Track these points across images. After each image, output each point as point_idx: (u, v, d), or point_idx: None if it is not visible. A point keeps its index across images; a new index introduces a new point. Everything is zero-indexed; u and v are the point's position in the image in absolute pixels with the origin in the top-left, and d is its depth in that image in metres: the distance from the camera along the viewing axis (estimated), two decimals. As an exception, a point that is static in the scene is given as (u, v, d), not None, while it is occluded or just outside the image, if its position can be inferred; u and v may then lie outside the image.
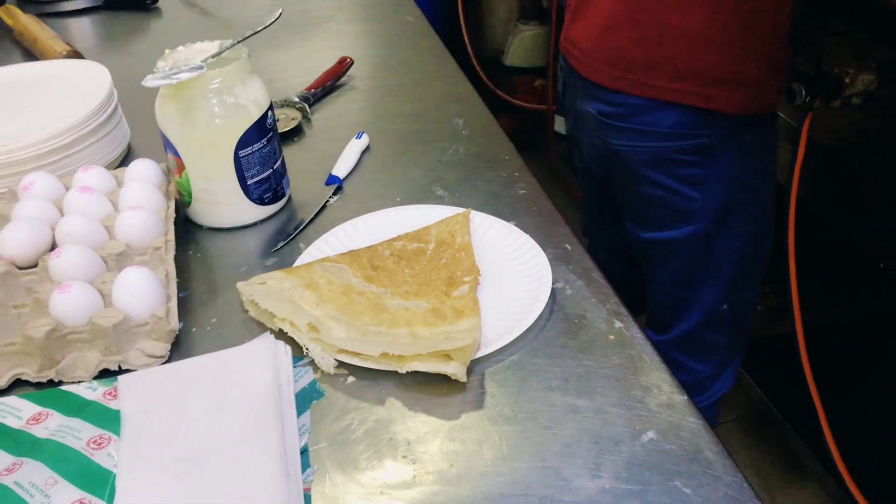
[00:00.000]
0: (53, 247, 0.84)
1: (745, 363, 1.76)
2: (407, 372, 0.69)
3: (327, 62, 1.23)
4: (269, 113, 0.89)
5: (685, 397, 0.67)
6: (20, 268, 0.82)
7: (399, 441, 0.65)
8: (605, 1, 1.13)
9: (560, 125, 2.43)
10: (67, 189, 0.92)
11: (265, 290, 0.78)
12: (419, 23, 1.42)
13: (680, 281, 1.28)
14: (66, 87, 1.08)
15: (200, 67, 0.83)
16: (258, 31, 0.91)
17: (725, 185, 1.15)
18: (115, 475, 0.62)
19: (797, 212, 1.25)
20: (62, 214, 0.87)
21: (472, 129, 1.07)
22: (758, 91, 1.09)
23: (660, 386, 0.68)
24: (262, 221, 0.93)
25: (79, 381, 0.72)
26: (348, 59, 1.22)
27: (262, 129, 0.88)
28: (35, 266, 0.82)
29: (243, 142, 0.87)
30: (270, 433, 0.64)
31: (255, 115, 0.87)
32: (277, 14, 0.93)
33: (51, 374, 0.72)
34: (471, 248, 0.83)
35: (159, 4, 1.57)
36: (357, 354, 0.71)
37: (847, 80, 1.12)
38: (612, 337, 0.73)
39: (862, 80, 1.13)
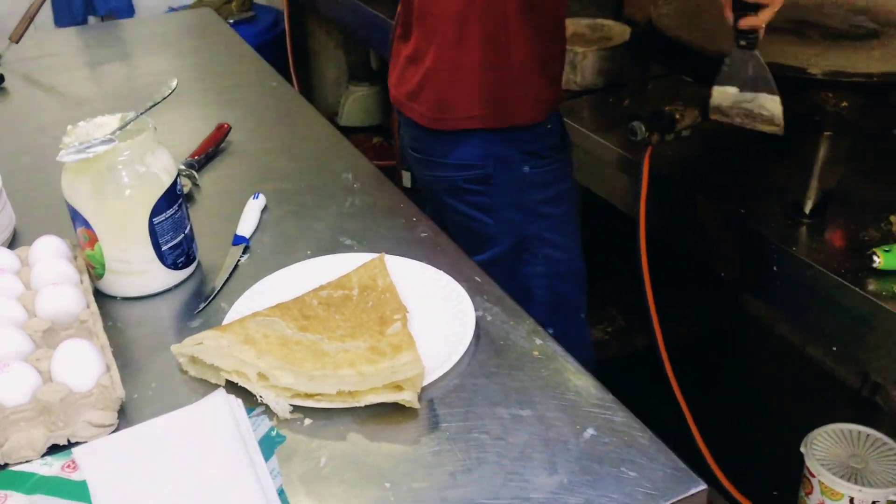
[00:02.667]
0: (-33, 332, 0.82)
1: (603, 379, 1.91)
2: (363, 406, 0.74)
3: (203, 130, 1.25)
4: (178, 180, 0.92)
5: (611, 396, 0.76)
6: (-65, 356, 0.79)
7: (369, 470, 0.70)
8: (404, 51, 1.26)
9: (407, 180, 2.54)
10: (-34, 273, 0.89)
11: (203, 350, 0.80)
12: (283, 87, 1.47)
13: None
14: (-62, 171, 1.04)
15: (112, 140, 0.85)
16: (158, 103, 0.94)
17: (512, 211, 1.27)
18: (98, 542, 0.62)
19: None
20: (-31, 299, 0.85)
21: (363, 182, 1.13)
22: (512, 105, 1.20)
23: (587, 389, 0.77)
24: (175, 288, 0.94)
25: (27, 461, 0.71)
26: (226, 126, 1.25)
27: (173, 196, 0.91)
28: (-48, 353, 0.79)
29: (157, 209, 0.89)
30: (246, 480, 0.67)
31: (167, 183, 0.89)
32: (174, 85, 0.96)
33: (-4, 458, 0.71)
34: (394, 288, 0.89)
35: (5, 84, 1.53)
36: (311, 396, 0.75)
37: (678, 117, 1.28)
38: (536, 353, 0.82)
39: (689, 116, 1.29)
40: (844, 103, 1.19)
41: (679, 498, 0.67)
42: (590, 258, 1.93)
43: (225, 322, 0.86)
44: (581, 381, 0.78)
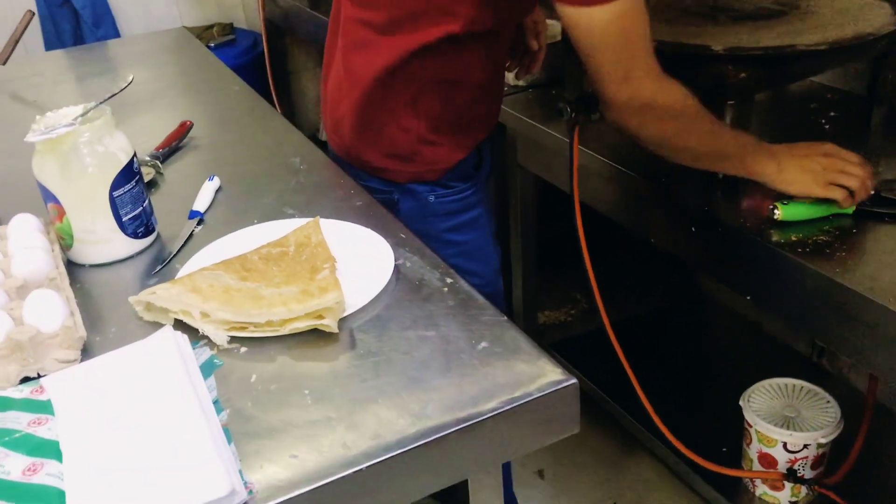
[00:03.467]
0: (-48, 293, 0.94)
1: (570, 358, 2.02)
2: (290, 334, 0.86)
3: (169, 128, 1.39)
4: (135, 159, 1.05)
5: (504, 318, 0.88)
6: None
7: (293, 382, 0.81)
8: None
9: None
10: (-48, 248, 1.02)
11: (155, 297, 0.92)
12: (245, 90, 1.61)
13: None
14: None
15: (73, 124, 0.98)
16: (116, 94, 1.07)
17: (420, 237, 1.25)
18: (58, 441, 0.74)
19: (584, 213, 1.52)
20: (-46, 267, 0.98)
21: (309, 164, 1.26)
22: (419, 164, 1.26)
23: (485, 311, 0.89)
24: (137, 255, 1.07)
25: (2, 390, 0.83)
26: (188, 122, 1.38)
27: (130, 173, 1.03)
28: (-61, 309, 0.92)
29: (116, 184, 1.01)
30: (185, 392, 0.79)
31: (124, 161, 1.02)
32: (130, 79, 1.09)
33: (-24, 388, 0.83)
34: (325, 244, 1.01)
35: (-8, 99, 1.67)
36: (244, 328, 0.87)
37: (600, 96, 1.41)
38: (446, 289, 0.94)
39: (612, 94, 1.42)
40: (743, 74, 1.31)
41: (554, 389, 0.78)
42: (551, 246, 2.06)
43: (177, 277, 0.99)
44: (481, 306, 0.90)
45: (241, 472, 0.71)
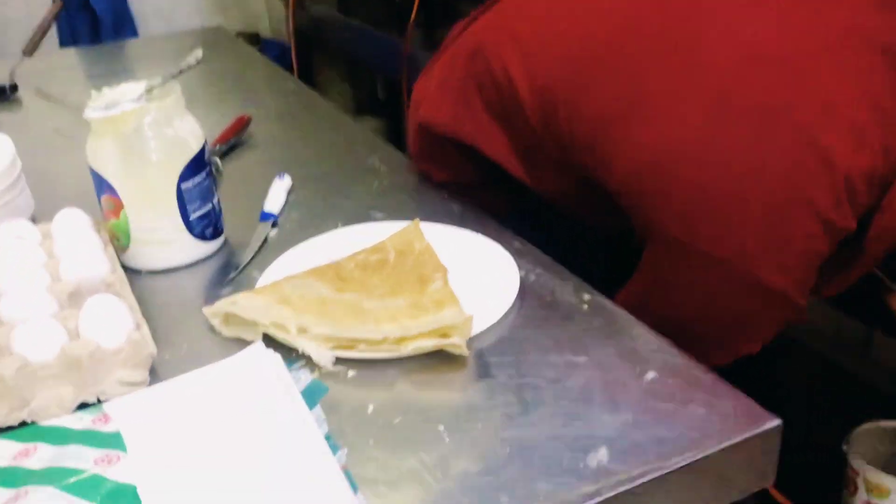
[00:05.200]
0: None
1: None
2: (408, 358, 0.70)
3: (221, 125, 1.23)
4: (206, 147, 0.89)
5: (668, 341, 0.72)
6: (-43, 320, 0.75)
7: (420, 415, 0.66)
8: None
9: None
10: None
11: (239, 308, 0.76)
12: (302, 88, 1.46)
13: None
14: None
15: (140, 100, 0.82)
16: (183, 71, 0.91)
17: None
18: (136, 487, 0.58)
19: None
20: (-10, 268, 0.82)
21: (390, 166, 1.10)
22: None
23: (644, 336, 0.73)
24: (200, 263, 0.91)
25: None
26: (247, 116, 1.23)
27: (201, 163, 0.88)
28: (-25, 317, 0.75)
29: (185, 174, 0.86)
30: (289, 427, 0.63)
31: (196, 148, 0.87)
32: (200, 55, 0.93)
33: (23, 416, 0.67)
34: (432, 249, 0.85)
35: (19, 94, 1.51)
36: (352, 346, 0.72)
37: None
38: (585, 306, 0.78)
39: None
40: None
41: (753, 433, 0.63)
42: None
43: (258, 286, 0.83)
44: (636, 330, 0.74)
45: (376, 531, 0.55)
